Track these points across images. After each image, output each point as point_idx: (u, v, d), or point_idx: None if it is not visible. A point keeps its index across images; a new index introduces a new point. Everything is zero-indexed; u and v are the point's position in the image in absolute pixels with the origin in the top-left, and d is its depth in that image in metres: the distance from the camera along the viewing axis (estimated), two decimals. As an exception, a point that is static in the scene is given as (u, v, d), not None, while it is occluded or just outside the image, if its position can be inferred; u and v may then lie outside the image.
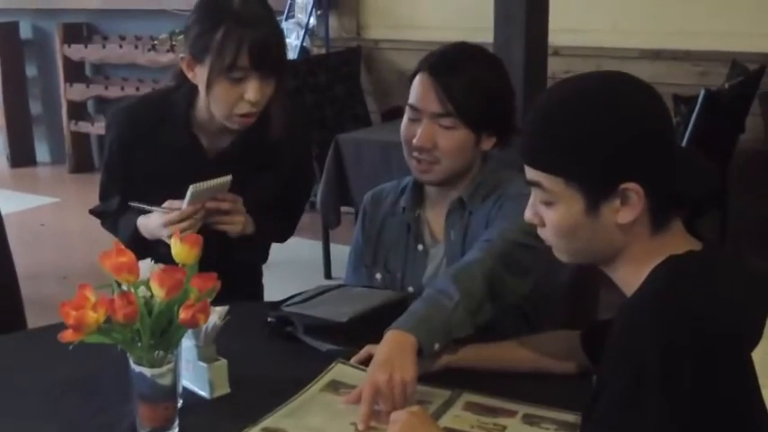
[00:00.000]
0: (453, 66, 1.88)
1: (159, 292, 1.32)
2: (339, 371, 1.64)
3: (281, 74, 1.91)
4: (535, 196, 1.37)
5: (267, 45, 1.84)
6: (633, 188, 1.27)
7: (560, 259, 1.41)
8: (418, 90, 1.89)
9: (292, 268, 2.99)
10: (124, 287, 1.37)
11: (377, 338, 1.69)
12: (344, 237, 4.33)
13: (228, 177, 1.80)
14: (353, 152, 4.25)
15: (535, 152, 1.35)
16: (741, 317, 1.24)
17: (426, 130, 1.87)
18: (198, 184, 1.76)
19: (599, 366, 1.37)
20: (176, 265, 1.42)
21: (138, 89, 6.53)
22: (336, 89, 5.38)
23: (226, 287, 1.46)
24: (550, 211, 1.34)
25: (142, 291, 1.39)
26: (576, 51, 5.05)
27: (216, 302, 1.46)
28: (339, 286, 1.94)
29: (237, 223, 1.92)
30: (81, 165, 6.99)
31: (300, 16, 5.64)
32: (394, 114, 4.85)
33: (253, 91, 1.84)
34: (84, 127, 6.89)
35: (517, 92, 2.67)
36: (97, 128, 6.82)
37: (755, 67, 4.32)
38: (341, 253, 3.89)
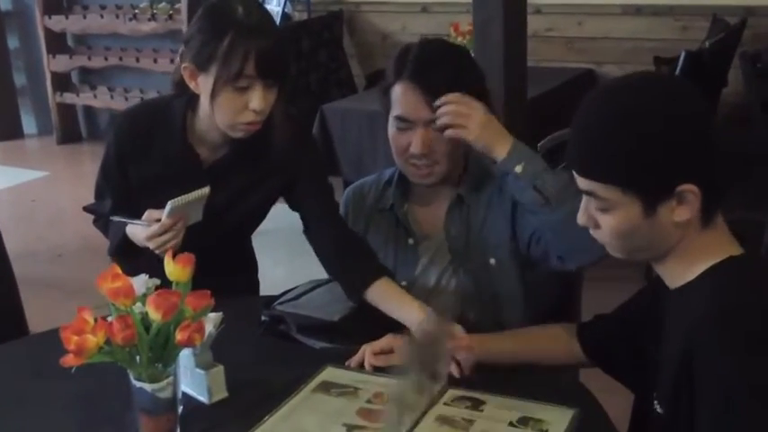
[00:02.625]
0: (431, 68, 1.90)
1: (156, 316, 1.36)
2: (329, 373, 1.70)
3: (284, 81, 1.91)
4: (588, 202, 1.40)
5: (273, 54, 1.83)
6: (690, 189, 1.32)
7: (614, 256, 1.46)
8: (405, 100, 1.91)
9: (281, 236, 3.04)
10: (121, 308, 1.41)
11: (368, 335, 1.76)
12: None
13: (206, 189, 1.81)
14: (339, 122, 4.28)
15: (589, 164, 1.37)
16: None
17: (423, 137, 1.90)
18: (177, 199, 1.78)
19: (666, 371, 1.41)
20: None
21: (121, 59, 6.52)
22: (320, 54, 5.39)
23: (223, 283, 1.53)
24: (607, 216, 1.38)
25: (138, 307, 1.43)
26: (558, 9, 5.07)
27: (215, 295, 1.49)
28: (330, 281, 1.98)
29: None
30: (68, 136, 7.00)
31: (281, -18, 5.61)
32: (378, 77, 4.88)
33: (257, 100, 1.83)
34: (69, 98, 6.88)
35: (498, 67, 2.70)
36: (83, 98, 6.83)
37: (736, 20, 4.34)
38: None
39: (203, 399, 1.64)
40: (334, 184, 2.08)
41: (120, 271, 1.43)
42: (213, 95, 1.84)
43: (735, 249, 1.39)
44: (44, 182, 6.18)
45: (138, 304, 1.43)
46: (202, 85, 1.87)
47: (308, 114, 4.43)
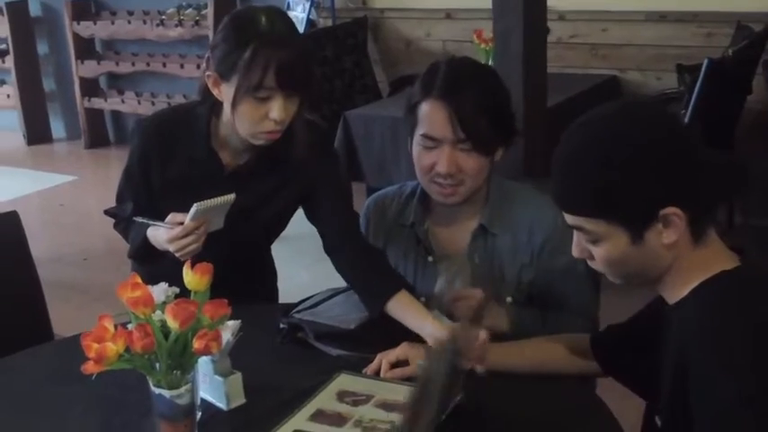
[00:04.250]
0: (460, 88, 1.91)
1: (174, 324, 1.39)
2: (343, 380, 1.71)
3: (306, 92, 1.92)
4: (579, 236, 1.43)
5: (293, 65, 1.84)
6: (673, 212, 1.33)
7: (615, 282, 1.47)
8: (433, 120, 1.92)
9: (303, 242, 3.08)
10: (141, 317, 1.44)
11: (384, 343, 1.78)
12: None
13: (232, 196, 1.84)
14: (362, 128, 4.30)
15: (570, 200, 1.40)
16: None
17: (450, 156, 1.91)
18: (202, 203, 1.81)
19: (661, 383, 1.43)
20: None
21: (148, 64, 6.60)
22: (344, 61, 5.41)
23: (242, 291, 1.54)
24: (597, 247, 1.40)
25: (158, 315, 1.46)
26: (582, 16, 5.06)
27: (233, 303, 1.51)
28: (347, 289, 2.01)
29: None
30: (96, 140, 7.08)
31: (306, -12, 5.64)
32: (403, 84, 4.90)
33: (277, 110, 1.85)
34: (97, 103, 6.96)
35: (517, 76, 2.70)
36: (110, 103, 6.91)
37: (761, 27, 4.32)
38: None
39: (221, 405, 1.67)
40: (356, 190, 2.09)
41: (139, 280, 1.45)
42: (234, 104, 1.87)
43: (729, 264, 1.39)
44: (72, 186, 6.26)
45: (158, 312, 1.47)
46: (225, 93, 1.90)
47: (331, 121, 4.46)
